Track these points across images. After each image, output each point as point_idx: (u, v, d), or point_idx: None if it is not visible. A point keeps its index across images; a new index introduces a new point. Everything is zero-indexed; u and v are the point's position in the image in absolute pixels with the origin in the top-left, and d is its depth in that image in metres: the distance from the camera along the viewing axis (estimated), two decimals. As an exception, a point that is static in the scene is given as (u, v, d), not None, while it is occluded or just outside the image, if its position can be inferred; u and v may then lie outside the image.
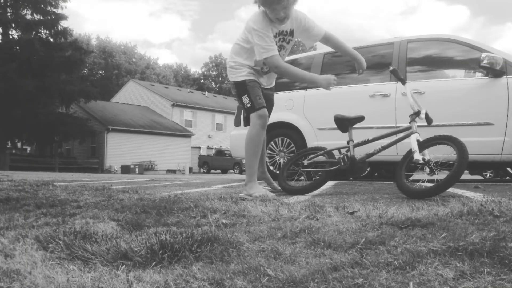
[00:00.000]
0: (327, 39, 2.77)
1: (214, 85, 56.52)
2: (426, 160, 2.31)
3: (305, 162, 2.99)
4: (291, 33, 2.65)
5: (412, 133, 2.49)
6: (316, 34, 2.71)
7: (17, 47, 21.26)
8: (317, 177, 2.90)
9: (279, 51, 2.59)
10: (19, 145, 26.32)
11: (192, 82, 56.13)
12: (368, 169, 6.50)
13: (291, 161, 3.10)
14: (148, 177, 8.39)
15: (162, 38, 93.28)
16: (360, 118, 2.86)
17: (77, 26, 70.88)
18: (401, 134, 2.65)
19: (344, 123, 2.89)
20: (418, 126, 2.53)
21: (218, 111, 33.25)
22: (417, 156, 2.30)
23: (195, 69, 78.16)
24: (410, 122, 2.56)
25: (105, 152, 25.14)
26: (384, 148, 2.72)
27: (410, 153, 2.41)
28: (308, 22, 2.65)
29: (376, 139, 2.78)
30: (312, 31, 2.69)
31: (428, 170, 2.32)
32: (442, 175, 2.35)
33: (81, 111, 25.12)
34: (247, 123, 2.69)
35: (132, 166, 23.41)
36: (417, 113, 2.52)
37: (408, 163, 2.43)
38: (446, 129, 3.97)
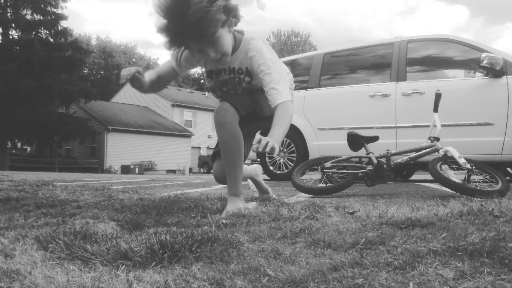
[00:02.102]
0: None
1: (214, 85, 56.40)
2: (472, 167, 2.49)
3: (328, 164, 2.87)
4: (243, 72, 1.79)
5: (439, 148, 2.72)
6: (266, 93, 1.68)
7: (17, 47, 21.27)
8: (342, 180, 2.81)
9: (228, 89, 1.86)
10: (19, 145, 26.32)
11: (192, 82, 56.11)
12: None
13: (307, 164, 3.05)
14: (148, 177, 8.39)
15: (162, 38, 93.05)
16: (375, 138, 2.90)
17: (77, 26, 70.95)
18: (426, 150, 2.83)
19: (359, 141, 2.91)
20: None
21: (218, 111, 33.21)
22: (463, 161, 2.49)
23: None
24: (432, 142, 2.81)
25: (105, 152, 25.13)
26: (411, 159, 2.83)
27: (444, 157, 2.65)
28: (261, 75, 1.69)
29: (396, 154, 2.93)
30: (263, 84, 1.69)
31: (466, 172, 2.50)
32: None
33: (81, 111, 25.12)
34: None
35: (132, 166, 23.40)
36: (437, 139, 2.80)
37: (443, 163, 2.66)
38: (446, 129, 3.98)
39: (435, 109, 2.88)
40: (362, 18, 76.35)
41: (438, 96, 2.87)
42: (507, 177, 6.53)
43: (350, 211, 1.73)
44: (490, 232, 1.10)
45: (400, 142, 4.23)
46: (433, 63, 4.50)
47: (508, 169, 6.19)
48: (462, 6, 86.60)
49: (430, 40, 4.47)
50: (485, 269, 0.78)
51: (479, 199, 2.05)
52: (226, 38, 1.63)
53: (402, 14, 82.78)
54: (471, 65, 4.14)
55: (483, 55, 3.75)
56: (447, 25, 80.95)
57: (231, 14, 1.59)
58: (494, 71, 3.76)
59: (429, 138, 2.84)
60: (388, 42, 4.70)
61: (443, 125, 3.94)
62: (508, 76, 3.79)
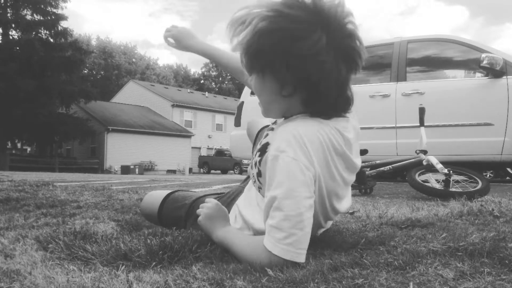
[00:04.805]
0: None
1: (214, 86, 56.51)
2: (449, 171, 2.55)
3: None
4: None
5: (423, 159, 2.77)
6: None
7: (17, 47, 21.28)
8: None
9: None
10: (19, 145, 26.32)
11: (192, 83, 56.13)
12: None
13: None
14: (148, 177, 8.39)
15: (161, 39, 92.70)
16: (363, 151, 2.95)
17: (77, 26, 71.11)
18: (410, 160, 2.92)
19: None
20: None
21: (218, 112, 33.24)
22: (440, 167, 2.57)
23: (195, 70, 78.27)
24: (417, 154, 2.86)
25: (105, 152, 25.13)
26: (394, 168, 2.93)
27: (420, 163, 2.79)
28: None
29: (383, 164, 3.01)
30: None
31: (444, 177, 2.56)
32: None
33: (81, 111, 25.13)
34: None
35: (132, 167, 23.39)
36: (424, 152, 2.84)
37: (420, 169, 2.75)
38: (446, 129, 3.98)
39: (421, 123, 2.92)
40: (361, 18, 76.27)
41: (422, 111, 2.91)
42: (507, 177, 6.53)
43: (350, 211, 1.74)
44: (490, 232, 1.10)
45: (400, 143, 4.23)
46: (433, 63, 4.50)
47: (508, 169, 6.19)
48: (462, 6, 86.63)
49: (430, 40, 4.47)
50: (485, 269, 0.78)
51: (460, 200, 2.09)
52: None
53: (402, 14, 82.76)
54: (471, 65, 4.14)
55: (483, 55, 3.75)
56: (447, 25, 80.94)
57: None
58: (494, 71, 3.76)
59: (416, 151, 2.91)
60: (388, 42, 4.70)
61: (443, 125, 3.96)
62: (508, 76, 3.79)
